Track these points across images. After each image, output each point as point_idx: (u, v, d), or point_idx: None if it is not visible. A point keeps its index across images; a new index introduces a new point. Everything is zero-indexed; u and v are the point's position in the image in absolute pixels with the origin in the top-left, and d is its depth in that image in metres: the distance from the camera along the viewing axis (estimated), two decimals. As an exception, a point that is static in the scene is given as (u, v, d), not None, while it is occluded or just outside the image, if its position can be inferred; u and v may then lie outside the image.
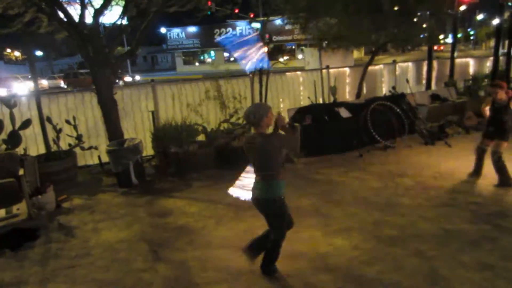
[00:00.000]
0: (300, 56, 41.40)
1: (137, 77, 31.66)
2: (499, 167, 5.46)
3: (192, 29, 45.28)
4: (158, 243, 4.46)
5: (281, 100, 9.34)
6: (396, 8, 8.67)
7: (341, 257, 3.91)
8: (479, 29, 56.63)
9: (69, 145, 6.83)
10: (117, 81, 25.52)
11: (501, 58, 10.56)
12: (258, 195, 3.42)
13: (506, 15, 11.49)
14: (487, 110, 5.71)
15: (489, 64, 12.37)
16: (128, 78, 28.95)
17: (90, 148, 7.04)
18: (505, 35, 10.95)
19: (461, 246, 4.00)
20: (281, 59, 37.95)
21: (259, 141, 3.34)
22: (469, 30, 63.45)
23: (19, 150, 6.17)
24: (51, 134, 6.79)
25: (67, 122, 6.86)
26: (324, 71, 9.71)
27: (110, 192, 6.27)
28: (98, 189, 6.42)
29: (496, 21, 11.29)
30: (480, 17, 56.66)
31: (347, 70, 10.60)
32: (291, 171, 6.72)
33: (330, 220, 4.76)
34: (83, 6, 6.71)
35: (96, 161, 7.42)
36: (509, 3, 9.81)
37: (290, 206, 3.67)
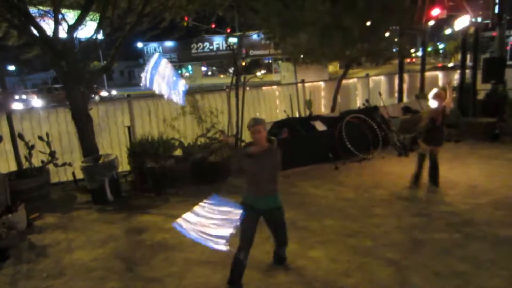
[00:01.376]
0: (275, 70, 41.95)
1: (114, 92, 31.29)
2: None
3: (169, 43, 45.22)
4: (134, 261, 4.39)
5: (257, 114, 9.43)
6: (368, 23, 8.96)
7: (318, 270, 3.96)
8: (448, 43, 58.84)
9: (42, 161, 6.66)
10: (93, 96, 25.02)
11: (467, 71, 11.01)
12: (275, 205, 3.65)
13: (471, 29, 12.03)
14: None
15: (457, 76, 12.87)
16: (104, 93, 28.56)
17: (64, 164, 6.90)
18: (470, 49, 11.47)
19: (433, 254, 4.12)
20: (258, 73, 38.36)
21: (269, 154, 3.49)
22: (438, 44, 65.89)
23: (-11, 168, 6.00)
24: (23, 151, 6.63)
25: (40, 138, 6.71)
26: (299, 85, 9.88)
27: (84, 210, 6.14)
28: (72, 207, 6.28)
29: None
30: (448, 31, 59.00)
31: (322, 84, 10.82)
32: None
33: (306, 233, 4.81)
34: (57, 22, 6.65)
35: (70, 178, 7.26)
36: (473, 19, 10.28)
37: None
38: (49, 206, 6.31)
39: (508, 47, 37.51)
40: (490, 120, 9.03)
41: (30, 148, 6.51)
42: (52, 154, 6.69)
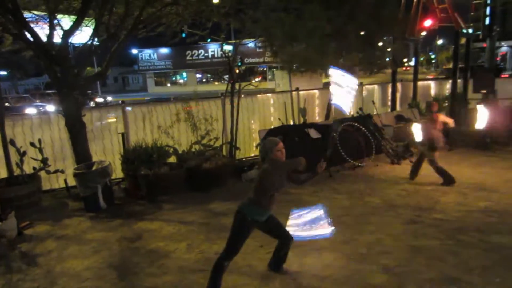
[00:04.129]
0: (269, 77, 42.14)
1: (109, 98, 31.12)
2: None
3: (164, 50, 45.33)
4: (127, 269, 4.34)
5: (252, 121, 9.45)
6: (362, 33, 9.07)
7: (313, 277, 3.95)
8: (440, 53, 59.69)
9: (34, 168, 6.60)
10: (88, 102, 24.95)
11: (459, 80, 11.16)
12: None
13: (463, 40, 12.23)
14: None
15: (448, 86, 13.03)
16: (99, 99, 28.39)
17: (56, 171, 6.83)
18: (462, 59, 11.64)
19: (426, 261, 4.13)
20: (253, 81, 38.51)
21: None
22: (430, 54, 66.83)
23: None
24: (14, 158, 6.56)
25: (32, 145, 6.65)
26: (294, 93, 9.94)
27: (76, 217, 6.07)
28: (63, 214, 6.21)
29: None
30: (440, 42, 59.89)
31: (316, 92, 10.88)
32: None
33: (301, 241, 4.79)
34: (52, 27, 6.64)
35: (63, 185, 7.20)
36: (464, 31, 10.46)
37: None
38: (41, 213, 6.23)
39: (498, 58, 38.13)
40: (481, 129, 9.12)
41: (22, 154, 6.44)
42: (44, 160, 6.62)
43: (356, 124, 8.63)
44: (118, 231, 5.46)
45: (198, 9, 7.81)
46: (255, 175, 7.55)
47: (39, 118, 7.27)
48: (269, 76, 43.15)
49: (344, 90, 3.90)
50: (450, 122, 6.67)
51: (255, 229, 3.68)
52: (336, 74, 3.91)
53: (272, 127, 9.07)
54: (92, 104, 24.36)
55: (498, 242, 4.49)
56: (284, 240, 3.80)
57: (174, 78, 51.56)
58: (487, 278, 3.77)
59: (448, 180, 6.60)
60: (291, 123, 9.59)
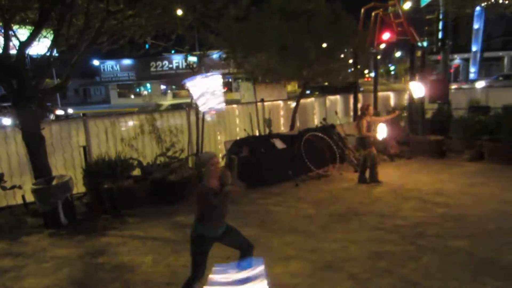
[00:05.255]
0: (235, 90, 42.32)
1: (70, 110, 29.99)
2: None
3: (127, 61, 44.45)
4: (91, 286, 4.21)
5: (218, 132, 9.46)
6: (324, 45, 9.34)
7: (281, 286, 3.98)
8: (398, 65, 62.32)
9: (-12, 185, 6.28)
10: (48, 114, 24.00)
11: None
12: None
13: (419, 53, 12.87)
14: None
15: (406, 96, 13.61)
16: (60, 111, 27.27)
17: (13, 187, 6.52)
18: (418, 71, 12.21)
19: (389, 267, 4.28)
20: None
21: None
22: (389, 65, 69.63)
23: None
24: (-33, 174, 6.22)
25: (-13, 160, 6.34)
26: (259, 104, 10.05)
27: (35, 234, 5.82)
28: (21, 232, 5.93)
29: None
30: (398, 54, 62.57)
31: (281, 103, 11.06)
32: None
33: (268, 250, 4.84)
34: (7, 38, 6.39)
35: (20, 201, 6.87)
36: (419, 44, 11.02)
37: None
38: (-4, 231, 5.92)
39: (452, 70, 40.33)
40: (438, 138, 9.61)
41: (-24, 170, 6.12)
42: None
43: (319, 134, 8.83)
44: (81, 247, 5.28)
45: (161, 21, 7.77)
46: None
47: (-6, 132, 6.94)
48: (234, 88, 43.30)
49: (208, 93, 3.62)
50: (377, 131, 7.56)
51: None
52: (193, 82, 3.64)
53: (237, 138, 9.11)
54: (52, 116, 23.45)
55: (456, 246, 4.70)
56: (245, 251, 3.72)
57: (138, 90, 50.63)
58: (446, 281, 3.94)
59: (362, 179, 7.52)
60: (257, 133, 9.68)
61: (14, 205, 6.96)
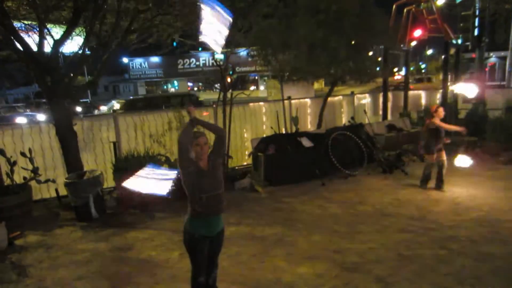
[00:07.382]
0: (262, 88, 42.28)
1: (115, 104, 30.68)
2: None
3: (155, 59, 45.28)
4: (119, 279, 4.30)
5: (244, 130, 9.48)
6: (353, 43, 9.18)
7: (306, 286, 3.95)
8: (429, 63, 60.56)
9: (24, 178, 6.52)
10: (92, 110, 25.13)
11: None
12: (222, 225, 3.42)
13: (452, 51, 12.45)
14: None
15: (439, 96, 13.21)
16: (103, 107, 27.92)
17: (47, 181, 6.75)
18: (452, 69, 11.83)
19: (419, 271, 4.15)
20: (250, 89, 38.53)
21: None
22: (420, 63, 67.75)
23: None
24: (4, 167, 6.48)
25: (22, 154, 6.58)
26: (286, 101, 9.99)
27: (68, 227, 6.01)
28: (55, 224, 6.14)
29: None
30: (430, 51, 60.81)
31: (308, 101, 10.96)
32: (254, 201, 6.77)
33: (294, 249, 4.81)
34: (42, 36, 6.61)
35: (54, 194, 7.12)
36: (453, 41, 10.66)
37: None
38: (31, 224, 6.14)
39: (487, 69, 38.81)
40: (472, 139, 9.26)
41: (12, 164, 6.38)
42: (34, 170, 6.55)
43: (348, 133, 8.70)
44: (110, 240, 5.41)
45: (189, 20, 7.84)
46: (247, 183, 7.56)
47: (29, 128, 7.21)
48: (261, 85, 43.30)
49: (214, 26, 3.27)
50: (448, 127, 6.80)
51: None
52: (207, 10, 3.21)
53: (264, 135, 9.10)
54: (96, 112, 24.34)
55: (489, 251, 4.53)
56: (211, 269, 3.37)
57: (165, 87, 51.53)
58: None
59: (438, 186, 6.87)
60: (283, 131, 9.64)
61: (48, 198, 7.22)
